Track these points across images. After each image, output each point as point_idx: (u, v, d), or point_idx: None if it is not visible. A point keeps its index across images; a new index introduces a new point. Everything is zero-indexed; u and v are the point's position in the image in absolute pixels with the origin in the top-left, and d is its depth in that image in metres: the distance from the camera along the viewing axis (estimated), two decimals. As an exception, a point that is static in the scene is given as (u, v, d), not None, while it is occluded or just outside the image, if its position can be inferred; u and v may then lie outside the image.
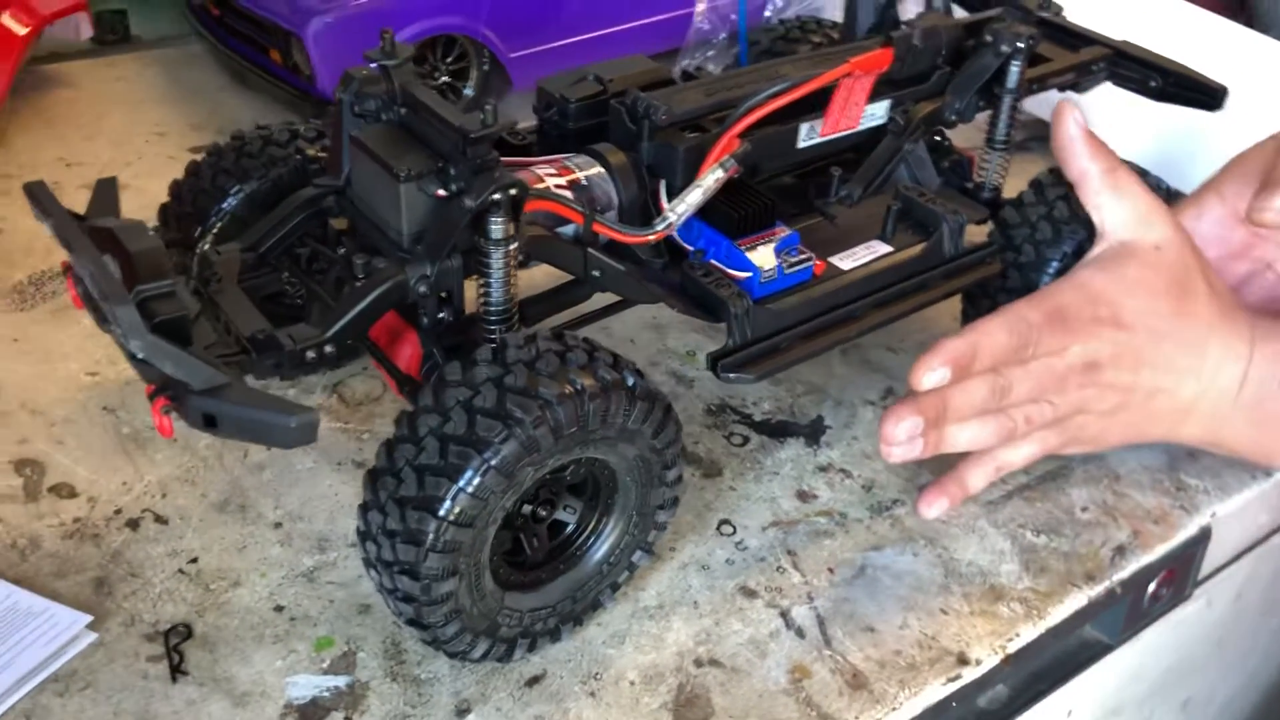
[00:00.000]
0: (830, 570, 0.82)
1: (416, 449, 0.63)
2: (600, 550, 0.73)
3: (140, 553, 0.79)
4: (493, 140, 0.69)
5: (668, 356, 1.01)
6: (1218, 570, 1.00)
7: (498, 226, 0.69)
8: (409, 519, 0.63)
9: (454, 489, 0.62)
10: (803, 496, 0.88)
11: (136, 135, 1.29)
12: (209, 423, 0.61)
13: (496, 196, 0.68)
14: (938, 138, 1.04)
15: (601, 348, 0.69)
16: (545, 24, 1.33)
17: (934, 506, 0.81)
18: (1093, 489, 0.91)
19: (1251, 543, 1.01)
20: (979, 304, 0.94)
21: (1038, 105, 1.36)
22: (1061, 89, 1.08)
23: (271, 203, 0.83)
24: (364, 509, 0.66)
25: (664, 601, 0.78)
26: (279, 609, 0.76)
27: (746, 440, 0.93)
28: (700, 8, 1.33)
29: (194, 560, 0.79)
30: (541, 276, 0.84)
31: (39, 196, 0.66)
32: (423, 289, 0.70)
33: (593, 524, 0.73)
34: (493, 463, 0.62)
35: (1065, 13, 1.09)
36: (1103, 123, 1.29)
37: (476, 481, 0.62)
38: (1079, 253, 0.89)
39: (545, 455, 0.64)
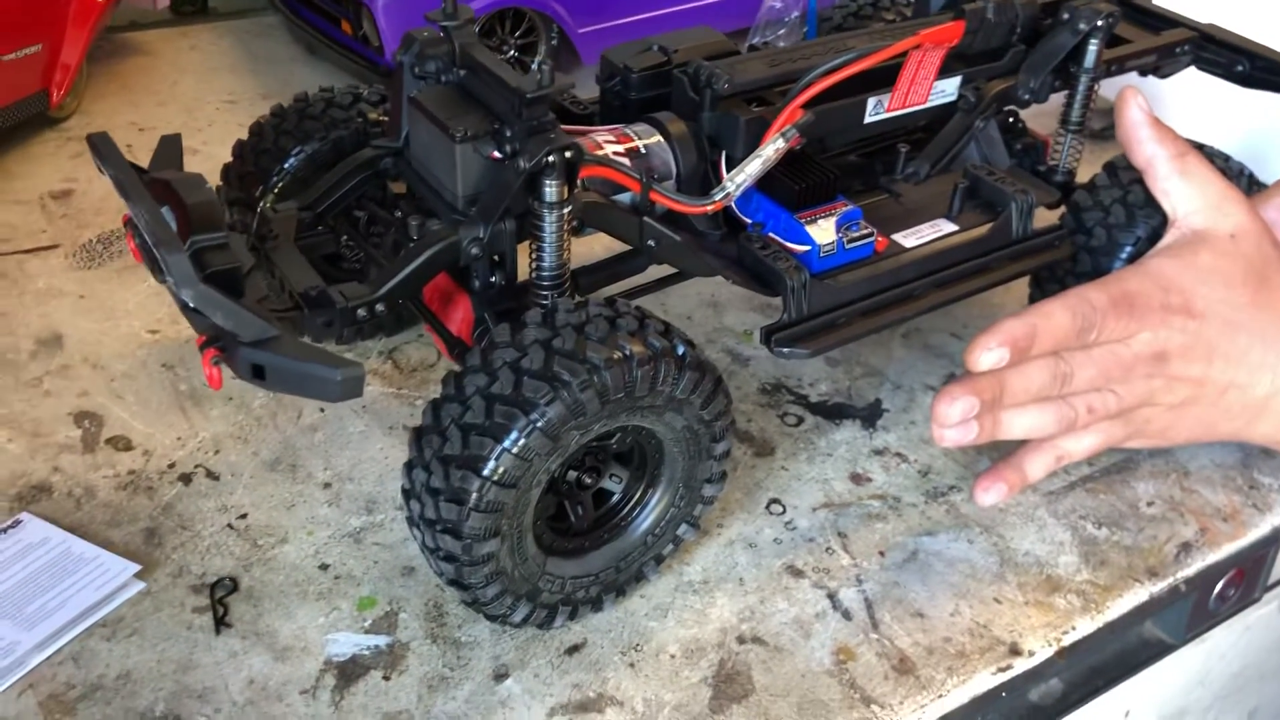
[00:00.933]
0: (881, 554, 0.80)
1: (462, 408, 0.63)
2: (645, 521, 0.72)
3: (191, 506, 0.79)
4: (549, 101, 0.69)
5: (724, 334, 1.00)
6: (1290, 574, 0.96)
7: (551, 189, 0.68)
8: (452, 477, 0.62)
9: (498, 449, 0.61)
10: (856, 479, 0.86)
11: (208, 103, 1.30)
12: (257, 374, 0.61)
13: (551, 159, 0.67)
14: (1011, 119, 1.01)
15: (653, 316, 0.68)
16: (614, 0, 1.32)
17: (990, 493, 0.79)
18: (1159, 483, 0.88)
19: (1326, 548, 0.97)
20: (1047, 289, 0.92)
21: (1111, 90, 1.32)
22: (1143, 72, 1.04)
23: (332, 164, 0.83)
24: (409, 466, 0.66)
25: (709, 577, 0.77)
26: (324, 567, 0.76)
27: (801, 420, 0.91)
28: (773, -14, 1.31)
29: (243, 516, 0.79)
30: (599, 248, 0.84)
31: (100, 148, 0.66)
32: (475, 251, 0.70)
33: (639, 494, 0.72)
34: (538, 424, 0.61)
35: None
36: (1187, 110, 1.25)
37: (521, 442, 0.61)
38: (1153, 238, 0.86)
39: (591, 420, 0.63)
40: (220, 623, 0.71)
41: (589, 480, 0.71)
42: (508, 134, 0.69)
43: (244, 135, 0.88)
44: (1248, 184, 0.91)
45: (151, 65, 1.37)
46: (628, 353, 0.63)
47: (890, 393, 0.95)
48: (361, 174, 0.79)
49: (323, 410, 0.88)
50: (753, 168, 0.76)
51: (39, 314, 0.96)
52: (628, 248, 0.79)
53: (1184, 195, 0.81)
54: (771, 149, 0.76)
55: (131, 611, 0.72)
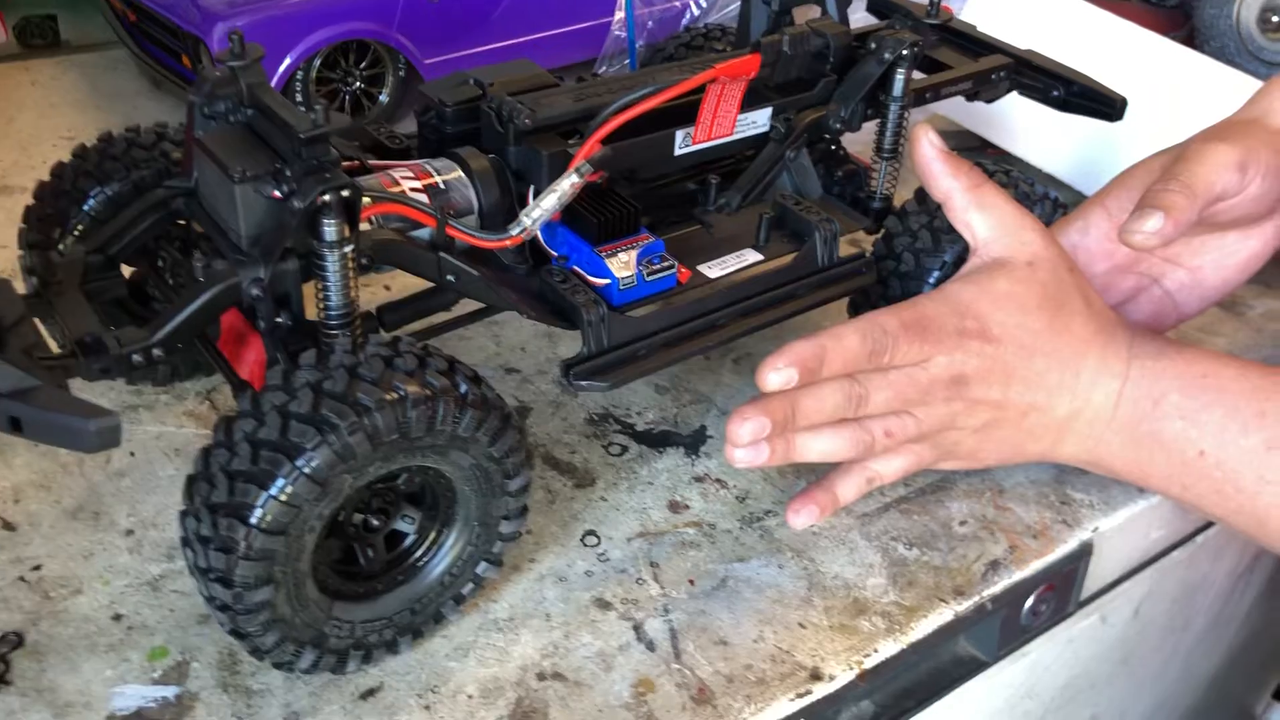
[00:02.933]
0: (691, 582, 0.80)
1: (230, 454, 0.62)
2: (440, 562, 0.71)
3: (-17, 559, 0.77)
4: (327, 141, 0.68)
5: (556, 366, 1.00)
6: (1111, 586, 0.98)
7: (330, 228, 0.68)
8: (220, 526, 0.61)
9: (264, 496, 0.60)
10: (674, 507, 0.87)
11: (44, 139, 1.28)
12: (14, 425, 0.60)
13: (327, 198, 0.66)
14: (834, 147, 1.03)
15: (438, 354, 0.68)
16: (462, 31, 1.32)
17: (802, 515, 0.80)
18: (973, 502, 0.89)
19: (1146, 559, 1.00)
20: (862, 312, 0.93)
21: (967, 116, 1.36)
22: (969, 97, 1.07)
23: (153, 203, 0.82)
24: (183, 515, 0.65)
25: (515, 614, 0.77)
26: (117, 617, 0.74)
27: (625, 450, 0.92)
28: (619, 16, 1.32)
29: (37, 567, 0.77)
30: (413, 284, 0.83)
31: None
32: (256, 292, 0.69)
33: (433, 535, 0.71)
34: (305, 469, 0.61)
35: (977, 23, 1.09)
36: (1028, 135, 1.29)
37: (288, 489, 0.61)
38: (959, 263, 0.88)
39: (363, 463, 0.63)
40: None
41: (377, 522, 0.70)
42: (287, 174, 0.69)
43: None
44: (1052, 208, 0.94)
45: (-14, 101, 1.34)
46: (402, 393, 0.63)
47: (716, 419, 0.96)
48: (154, 215, 0.78)
49: (133, 454, 0.87)
50: (548, 203, 0.76)
51: None
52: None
53: (982, 225, 0.84)
54: (567, 184, 0.77)
55: (-93, 672, 0.69)
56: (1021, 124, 1.31)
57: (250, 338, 0.75)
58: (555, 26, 1.38)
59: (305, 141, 0.68)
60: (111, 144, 0.85)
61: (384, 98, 1.33)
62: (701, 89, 0.81)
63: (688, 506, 0.87)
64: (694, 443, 0.93)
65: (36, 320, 0.71)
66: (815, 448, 0.76)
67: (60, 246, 0.81)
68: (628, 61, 1.31)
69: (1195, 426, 0.79)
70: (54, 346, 0.71)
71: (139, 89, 1.41)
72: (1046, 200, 0.93)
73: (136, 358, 0.68)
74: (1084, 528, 0.89)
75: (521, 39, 1.36)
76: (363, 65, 1.31)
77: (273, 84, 1.24)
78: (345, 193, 0.67)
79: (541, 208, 0.76)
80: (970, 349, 0.79)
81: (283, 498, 0.61)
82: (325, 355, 0.64)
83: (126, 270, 0.83)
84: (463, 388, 0.66)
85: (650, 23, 1.32)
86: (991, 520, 0.88)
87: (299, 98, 1.26)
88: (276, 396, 0.63)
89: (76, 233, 0.83)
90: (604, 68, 1.34)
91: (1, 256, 1.06)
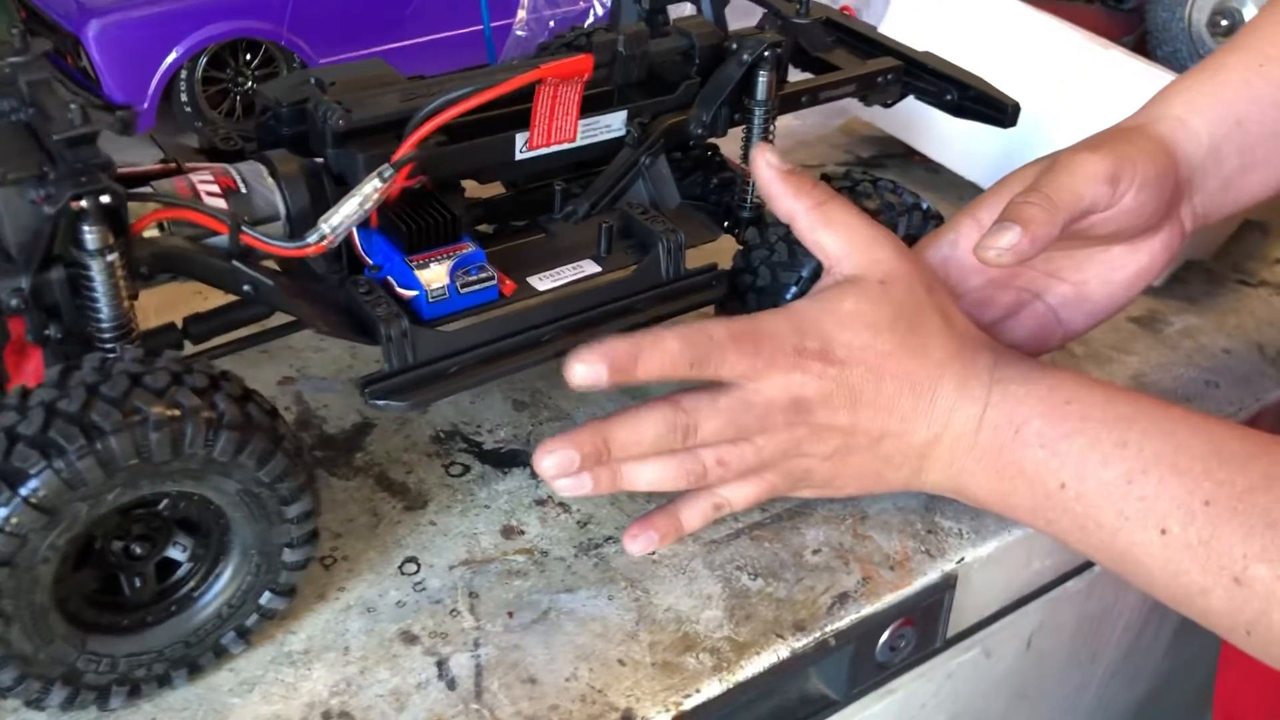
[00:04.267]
0: (510, 614, 0.76)
1: (-47, 478, 0.57)
2: (216, 592, 0.67)
3: None
4: (92, 141, 0.64)
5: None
6: (991, 619, 0.93)
7: (91, 235, 0.63)
8: (-62, 555, 0.57)
9: (-19, 524, 0.56)
10: (508, 532, 0.82)
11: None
12: None
13: (84, 203, 0.62)
14: (709, 152, 0.98)
15: (203, 370, 0.63)
16: (356, 30, 1.28)
17: (639, 540, 0.75)
18: (831, 529, 0.84)
19: (1031, 590, 0.95)
20: (724, 329, 0.88)
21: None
22: (862, 101, 1.03)
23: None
24: (-81, 543, 0.60)
25: (312, 646, 0.72)
26: (-117, 646, 0.70)
27: (467, 470, 0.87)
28: (520, 15, 1.28)
29: None
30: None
31: None
32: (14, 302, 0.65)
33: (206, 564, 0.67)
34: (27, 497, 0.56)
35: (903, 23, 1.04)
36: (953, 143, 1.24)
37: (11, 518, 0.56)
38: (816, 277, 0.83)
39: (98, 490, 0.58)
40: None
41: (140, 550, 0.65)
42: (51, 177, 0.64)
43: None
44: (922, 219, 0.89)
45: None
46: (143, 414, 0.58)
47: (571, 438, 0.90)
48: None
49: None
50: (348, 208, 0.72)
51: None
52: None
53: (831, 243, 0.78)
54: (369, 187, 0.72)
55: None
56: (946, 131, 1.26)
57: (30, 348, 0.71)
58: (458, 27, 1.33)
59: (68, 142, 0.63)
60: (-84, 144, 0.81)
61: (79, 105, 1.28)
62: (523, 90, 0.76)
63: (523, 532, 0.82)
64: (542, 463, 0.88)
65: None
66: (644, 477, 0.71)
67: None
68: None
69: (1056, 456, 0.73)
70: None
71: (35, 88, 1.37)
72: (917, 211, 0.88)
73: (-119, 371, 0.63)
74: (948, 558, 0.83)
75: (423, 38, 1.32)
76: (254, 65, 1.26)
77: (154, 84, 1.21)
78: (105, 197, 0.63)
79: (341, 213, 0.72)
80: (810, 370, 0.74)
81: (5, 527, 0.56)
82: (67, 371, 0.60)
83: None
84: (220, 407, 0.61)
85: (553, 23, 1.28)
86: (848, 549, 0.83)
87: (184, 98, 1.22)
88: (7, 417, 0.58)
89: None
90: (504, 69, 1.30)
91: None
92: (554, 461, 0.67)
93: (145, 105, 1.19)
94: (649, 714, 0.70)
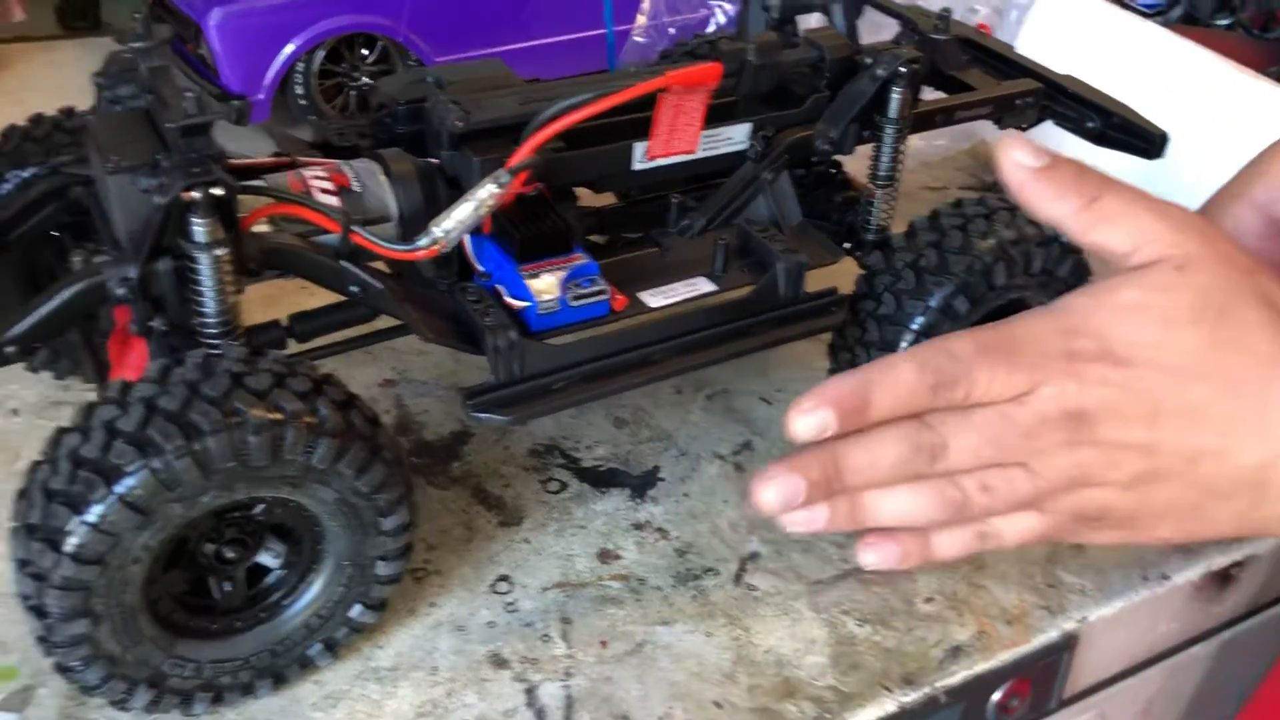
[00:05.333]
0: (603, 644, 0.72)
1: (51, 470, 0.56)
2: (303, 602, 0.65)
3: None
4: (206, 131, 0.62)
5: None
6: (1109, 681, 0.87)
7: (200, 228, 0.62)
8: (32, 550, 0.55)
9: (76, 521, 0.54)
10: (604, 556, 0.79)
11: (43, 120, 1.25)
12: None
13: (195, 194, 0.60)
14: (832, 170, 0.94)
15: (305, 372, 0.61)
16: (475, 29, 1.26)
17: (876, 552, 0.60)
18: (945, 577, 0.79)
19: (1154, 654, 0.89)
20: (839, 356, 0.84)
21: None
22: (996, 124, 0.97)
23: (53, 190, 0.77)
24: (12, 532, 0.59)
25: (400, 663, 0.70)
26: (-26, 630, 0.69)
27: (564, 487, 0.84)
28: (640, 22, 1.25)
29: (-94, 568, 0.72)
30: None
31: None
32: (121, 292, 0.63)
33: (299, 572, 0.65)
34: (123, 495, 0.54)
35: (1038, 43, 0.98)
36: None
37: (105, 516, 0.54)
38: (946, 309, 0.78)
39: (193, 492, 0.56)
40: None
41: (233, 554, 0.63)
42: (164, 166, 0.63)
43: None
44: (1060, 251, 0.83)
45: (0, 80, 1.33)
46: (244, 416, 0.56)
47: (673, 460, 0.87)
48: (52, 203, 0.73)
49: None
50: (462, 213, 0.69)
51: None
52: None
53: (1116, 240, 0.57)
54: (484, 192, 0.69)
55: None
56: (1082, 159, 1.19)
57: (134, 339, 0.69)
58: (578, 30, 1.31)
59: (182, 131, 0.62)
60: (37, 126, 0.81)
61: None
62: (646, 99, 0.73)
63: (619, 557, 0.79)
64: (642, 485, 0.85)
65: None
66: (890, 508, 0.58)
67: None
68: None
69: None
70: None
71: (155, 75, 1.38)
72: (1055, 243, 0.83)
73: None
74: (1069, 616, 0.78)
75: (540, 41, 1.30)
76: (369, 60, 1.26)
77: (271, 76, 1.20)
78: (216, 190, 0.61)
79: (454, 218, 0.69)
80: (1087, 377, 0.58)
81: (98, 524, 0.55)
82: (168, 367, 0.58)
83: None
84: (321, 413, 0.59)
85: (673, 30, 1.24)
86: (962, 599, 0.78)
87: (300, 91, 1.22)
88: (108, 410, 0.57)
89: (-9, 216, 0.79)
90: (620, 74, 1.27)
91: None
92: (776, 491, 0.55)
93: (261, 96, 1.19)
94: (745, 763, 0.66)
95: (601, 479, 0.85)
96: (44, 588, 0.55)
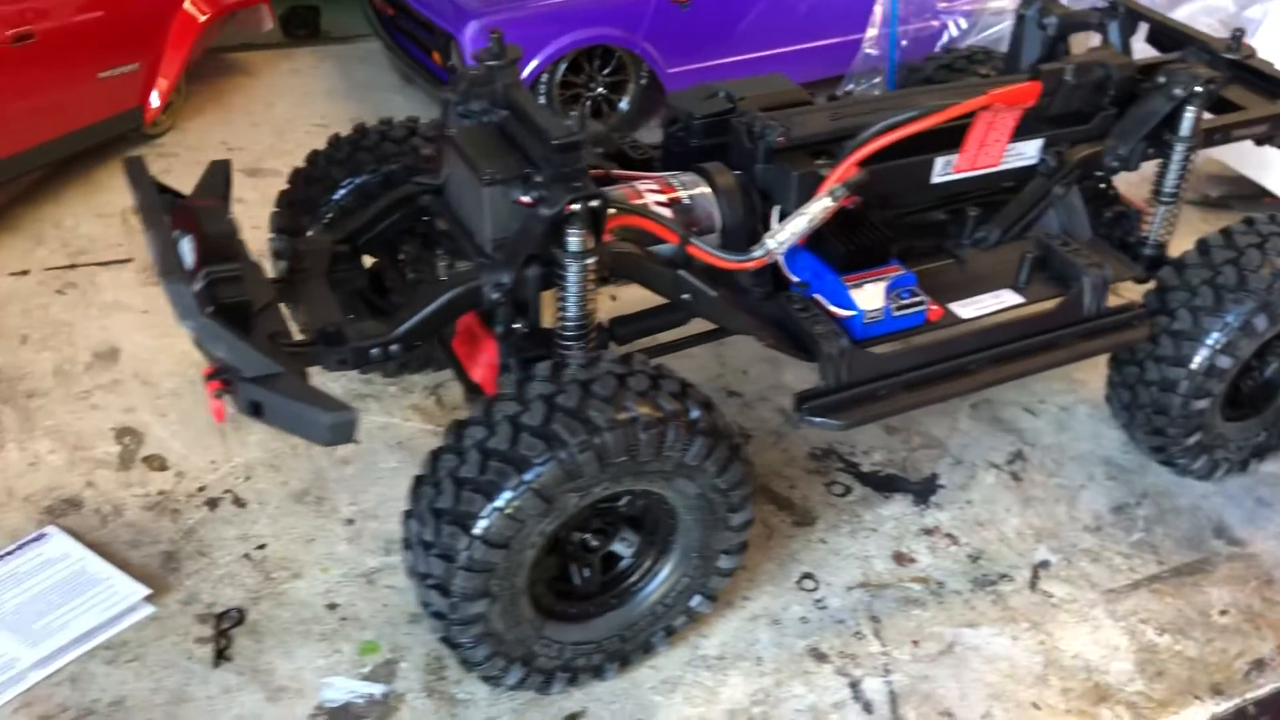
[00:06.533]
0: (915, 643, 0.75)
1: (459, 460, 0.61)
2: (653, 590, 0.68)
3: (213, 533, 0.79)
4: (581, 148, 0.67)
5: (780, 393, 0.96)
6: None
7: (575, 239, 0.66)
8: (442, 532, 0.60)
9: (489, 507, 0.59)
10: (900, 559, 0.81)
11: (299, 125, 1.33)
12: (255, 410, 0.60)
13: (575, 207, 0.65)
14: (1102, 185, 0.95)
15: (671, 376, 0.65)
16: (708, 41, 1.30)
17: None
18: (1236, 590, 0.80)
19: None
20: (1125, 370, 0.85)
21: (1241, 160, 1.24)
22: (1258, 141, 0.97)
23: (400, 198, 0.82)
24: (406, 516, 0.64)
25: (725, 653, 0.73)
26: (332, 606, 0.74)
27: (849, 490, 0.87)
28: (870, 34, 1.27)
29: (261, 546, 0.78)
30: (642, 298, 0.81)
31: (133, 173, 0.67)
32: (496, 296, 0.68)
33: (649, 561, 0.68)
34: (532, 484, 0.59)
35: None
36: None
37: (514, 502, 0.59)
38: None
39: (590, 483, 0.60)
40: (220, 655, 0.70)
41: (595, 542, 0.68)
42: (537, 179, 0.67)
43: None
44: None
45: (251, 86, 1.40)
46: (633, 414, 0.60)
47: (949, 468, 0.89)
48: (401, 210, 0.78)
49: (358, 443, 0.87)
50: (795, 226, 0.73)
51: (100, 326, 0.98)
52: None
53: None
54: (818, 207, 0.73)
55: (136, 636, 0.72)
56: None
57: (484, 340, 0.74)
58: (803, 41, 1.34)
59: (558, 148, 0.66)
60: (364, 136, 0.86)
61: (624, 105, 1.32)
62: (969, 116, 0.75)
63: (914, 560, 0.81)
64: (923, 491, 0.87)
65: (281, 305, 0.72)
66: None
67: (309, 233, 0.83)
68: (878, 80, 1.25)
69: None
70: (295, 333, 0.72)
71: (389, 83, 1.45)
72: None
73: (374, 352, 0.67)
74: (1368, 634, 0.78)
75: (766, 52, 1.33)
76: (606, 71, 1.30)
77: (518, 85, 1.25)
78: (594, 203, 0.65)
79: (789, 231, 0.73)
80: None
81: (507, 510, 0.59)
82: (558, 368, 0.62)
83: (367, 262, 0.83)
84: (694, 413, 0.63)
85: (905, 41, 1.26)
86: (1258, 613, 0.79)
87: (542, 101, 1.27)
88: (509, 406, 0.61)
89: (325, 221, 0.85)
90: (851, 86, 1.29)
91: (254, 237, 1.10)
92: None
93: (509, 106, 1.24)
94: (1070, 763, 0.68)
95: (883, 484, 0.88)
96: (452, 568, 0.60)
